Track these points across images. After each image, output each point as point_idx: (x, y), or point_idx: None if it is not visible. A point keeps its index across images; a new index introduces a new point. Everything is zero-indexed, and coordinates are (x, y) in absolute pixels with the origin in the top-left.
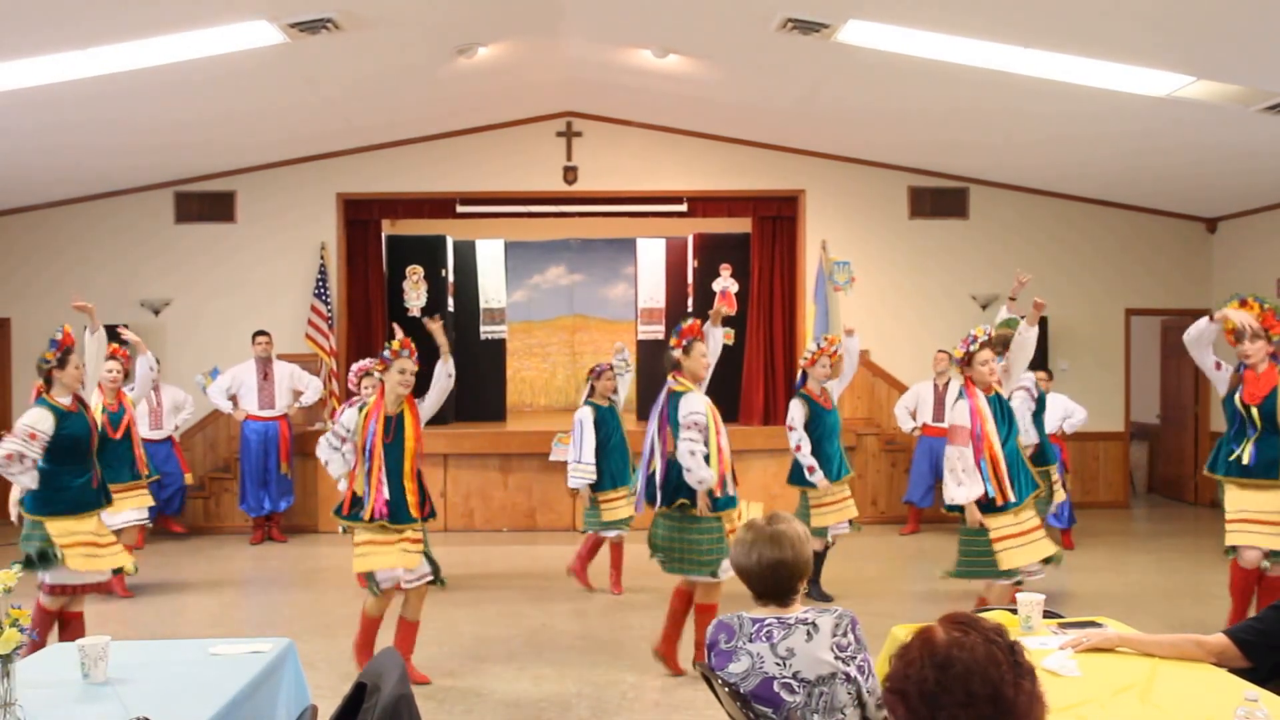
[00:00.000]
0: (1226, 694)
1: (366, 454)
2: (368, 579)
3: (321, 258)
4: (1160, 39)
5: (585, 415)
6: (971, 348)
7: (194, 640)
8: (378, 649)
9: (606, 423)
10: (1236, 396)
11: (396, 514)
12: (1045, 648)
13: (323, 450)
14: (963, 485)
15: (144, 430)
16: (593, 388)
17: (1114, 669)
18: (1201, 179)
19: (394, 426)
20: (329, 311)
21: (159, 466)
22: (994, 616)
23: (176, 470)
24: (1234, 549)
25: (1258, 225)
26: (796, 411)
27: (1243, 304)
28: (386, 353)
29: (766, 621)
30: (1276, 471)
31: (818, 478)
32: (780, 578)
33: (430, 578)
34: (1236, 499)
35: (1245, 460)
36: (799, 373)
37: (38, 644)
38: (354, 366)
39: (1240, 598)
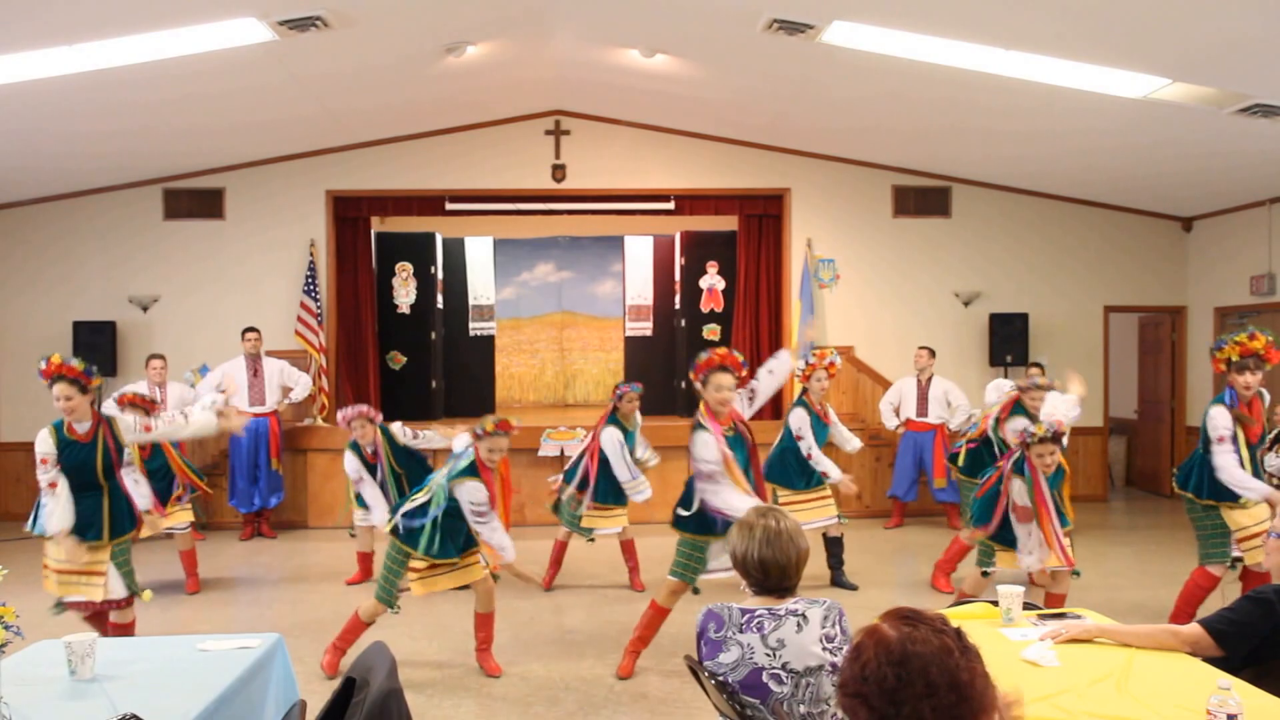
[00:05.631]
0: (1201, 683)
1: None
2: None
3: (311, 254)
4: (1137, 42)
5: (616, 436)
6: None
7: (182, 636)
8: (362, 646)
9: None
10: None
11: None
12: (1025, 639)
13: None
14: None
15: None
16: (616, 407)
17: (1092, 659)
18: (1177, 179)
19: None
20: (318, 308)
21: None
22: (974, 609)
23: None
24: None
25: (1231, 224)
26: (802, 420)
27: (1251, 339)
28: (480, 429)
29: (757, 612)
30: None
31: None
32: (796, 571)
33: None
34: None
35: None
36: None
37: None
38: (346, 412)
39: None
